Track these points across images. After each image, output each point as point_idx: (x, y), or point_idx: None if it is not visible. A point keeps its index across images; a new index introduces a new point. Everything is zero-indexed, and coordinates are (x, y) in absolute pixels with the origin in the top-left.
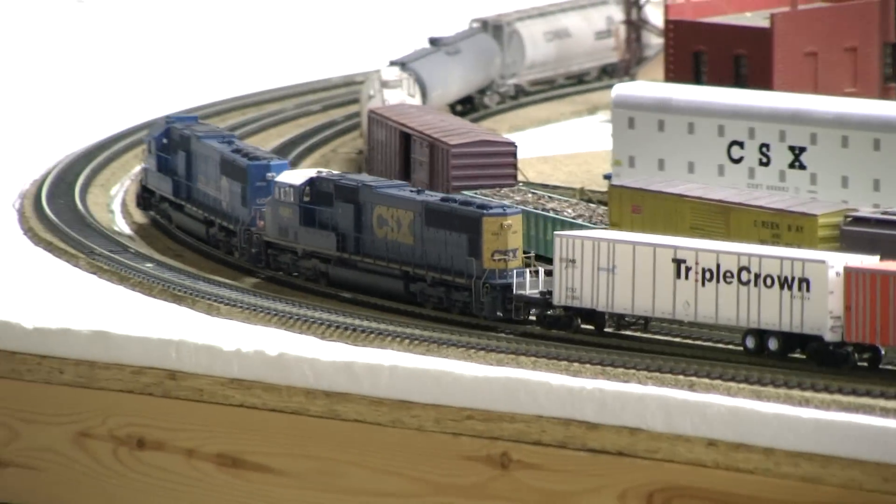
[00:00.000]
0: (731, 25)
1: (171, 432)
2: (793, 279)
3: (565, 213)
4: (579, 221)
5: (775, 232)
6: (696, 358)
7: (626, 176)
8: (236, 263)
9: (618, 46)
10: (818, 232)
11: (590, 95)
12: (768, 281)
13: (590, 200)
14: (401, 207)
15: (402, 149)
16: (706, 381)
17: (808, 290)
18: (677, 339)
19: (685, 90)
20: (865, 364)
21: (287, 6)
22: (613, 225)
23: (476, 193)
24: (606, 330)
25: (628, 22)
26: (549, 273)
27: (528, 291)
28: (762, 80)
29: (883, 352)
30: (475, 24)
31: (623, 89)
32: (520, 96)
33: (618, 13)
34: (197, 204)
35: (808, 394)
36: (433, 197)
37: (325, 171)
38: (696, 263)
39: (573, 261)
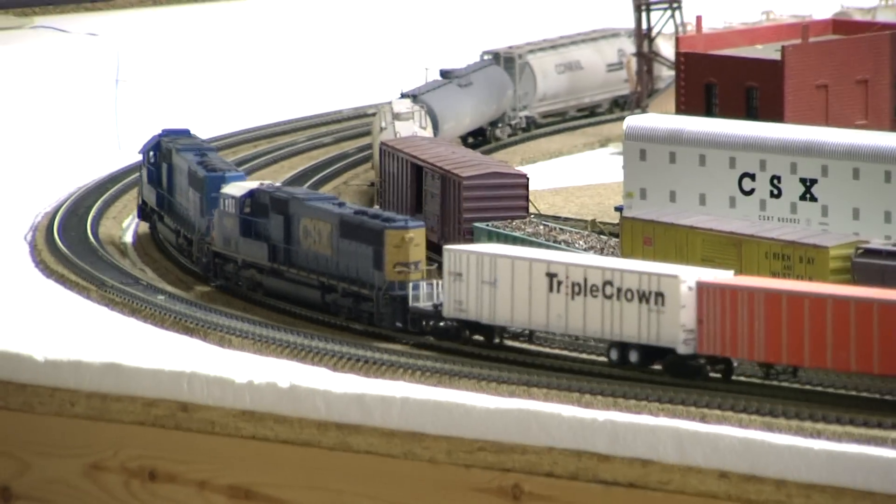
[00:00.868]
0: (743, 58)
1: (183, 464)
2: (650, 293)
3: (577, 245)
4: (591, 254)
5: (787, 264)
6: (707, 389)
7: (637, 208)
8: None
9: (629, 78)
10: (829, 264)
11: (601, 127)
12: (629, 295)
13: (601, 232)
14: (322, 219)
15: (414, 181)
16: (718, 412)
17: (662, 303)
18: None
19: (696, 122)
20: (719, 376)
21: (298, 38)
22: (625, 256)
23: (488, 225)
24: (496, 342)
25: (640, 54)
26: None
27: (423, 304)
28: (773, 112)
29: (735, 363)
30: (487, 57)
31: (635, 121)
32: (531, 128)
33: (629, 45)
34: (173, 215)
35: (819, 425)
36: (349, 210)
37: (266, 183)
38: (567, 277)
39: (460, 274)
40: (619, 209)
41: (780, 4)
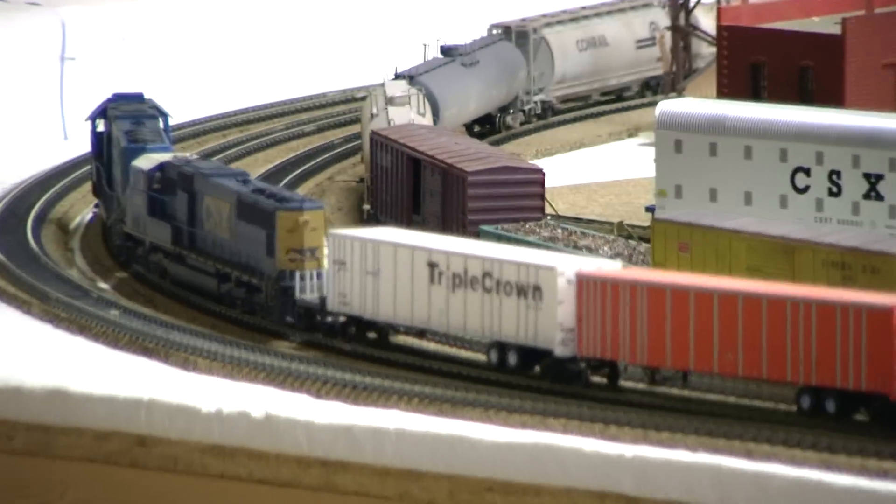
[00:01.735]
0: (796, 32)
1: None
2: (528, 287)
3: (601, 252)
4: (617, 261)
5: (847, 273)
6: (753, 420)
7: (671, 208)
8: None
9: (663, 57)
10: None
11: (630, 114)
12: (507, 289)
13: (629, 237)
14: (223, 198)
15: (411, 176)
16: (766, 447)
17: (540, 298)
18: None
19: (741, 108)
20: (605, 380)
21: (276, 10)
22: (657, 265)
23: (497, 228)
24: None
25: (675, 28)
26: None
27: (310, 296)
28: (832, 97)
29: (623, 367)
30: (496, 31)
31: (669, 107)
32: (548, 115)
33: (663, 18)
34: (106, 193)
35: (887, 464)
36: (248, 188)
37: (179, 156)
38: (448, 268)
39: (344, 263)
40: (650, 210)
41: None
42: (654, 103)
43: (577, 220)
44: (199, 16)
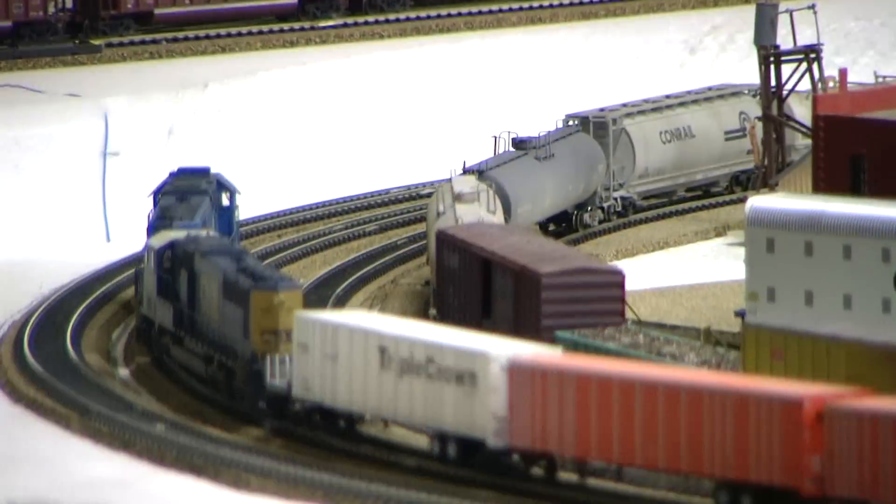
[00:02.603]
0: None
1: None
2: (464, 373)
3: (686, 360)
4: (703, 370)
5: None
6: None
7: (763, 313)
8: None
9: (754, 149)
10: None
11: (718, 211)
12: (448, 375)
13: (718, 343)
14: (213, 277)
15: (481, 278)
16: None
17: (475, 385)
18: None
19: (840, 204)
20: (542, 473)
21: (333, 100)
22: (749, 373)
23: (574, 333)
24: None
25: (767, 118)
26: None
27: (280, 381)
28: None
29: (559, 461)
30: (572, 122)
31: (760, 203)
32: (629, 212)
33: (754, 107)
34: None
35: None
36: (236, 265)
37: (193, 233)
38: (397, 353)
39: (307, 346)
40: (740, 314)
41: None
42: (744, 199)
43: (660, 325)
44: (251, 109)
